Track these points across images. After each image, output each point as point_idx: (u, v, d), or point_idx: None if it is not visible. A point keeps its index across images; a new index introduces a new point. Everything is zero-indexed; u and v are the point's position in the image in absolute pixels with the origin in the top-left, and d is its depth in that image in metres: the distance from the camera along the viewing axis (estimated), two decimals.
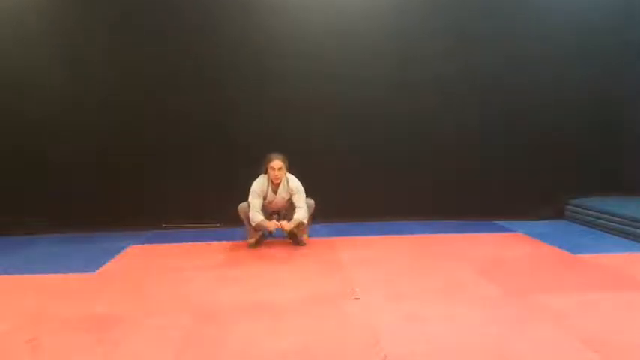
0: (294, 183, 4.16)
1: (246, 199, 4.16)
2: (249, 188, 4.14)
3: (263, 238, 4.34)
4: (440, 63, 5.05)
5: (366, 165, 5.13)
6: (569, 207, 5.34)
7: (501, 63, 5.11)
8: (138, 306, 2.97)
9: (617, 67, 5.25)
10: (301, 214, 4.08)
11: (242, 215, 4.19)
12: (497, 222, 5.14)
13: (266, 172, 4.14)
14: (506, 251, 4.11)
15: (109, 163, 4.90)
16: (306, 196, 4.21)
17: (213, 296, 3.12)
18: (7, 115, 4.80)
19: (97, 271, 3.67)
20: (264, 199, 4.16)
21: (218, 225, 5.02)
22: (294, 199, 4.15)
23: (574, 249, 4.10)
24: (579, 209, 5.18)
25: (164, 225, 5.02)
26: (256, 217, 4.04)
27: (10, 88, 4.77)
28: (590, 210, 5.02)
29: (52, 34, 4.75)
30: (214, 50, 4.87)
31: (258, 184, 4.13)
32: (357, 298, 3.03)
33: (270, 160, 4.10)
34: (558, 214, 5.38)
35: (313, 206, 4.28)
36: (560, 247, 4.18)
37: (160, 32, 4.82)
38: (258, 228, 4.10)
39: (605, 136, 5.32)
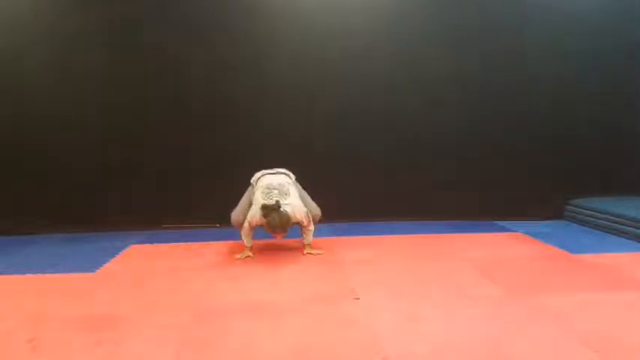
0: (296, 215, 3.78)
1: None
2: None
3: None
4: (440, 64, 5.04)
5: (366, 165, 5.13)
6: (569, 207, 5.34)
7: (501, 64, 5.10)
8: (138, 306, 2.97)
9: (618, 68, 5.24)
10: (308, 239, 4.00)
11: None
12: (497, 222, 5.14)
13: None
14: (507, 251, 4.11)
15: (109, 163, 4.90)
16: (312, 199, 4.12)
17: (213, 296, 3.12)
18: (6, 116, 4.80)
19: (97, 271, 3.67)
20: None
21: (218, 225, 5.02)
22: (301, 227, 3.98)
23: (574, 249, 4.10)
24: (579, 209, 5.18)
25: (164, 225, 5.02)
26: (245, 251, 3.96)
27: (9, 89, 4.76)
28: (590, 210, 5.02)
29: (49, 36, 4.74)
30: (214, 51, 4.87)
31: (255, 217, 3.77)
32: (357, 298, 3.03)
33: (271, 226, 3.65)
34: (558, 214, 5.38)
35: (319, 216, 4.10)
36: (560, 247, 4.18)
37: (160, 34, 4.80)
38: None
39: (605, 136, 5.32)
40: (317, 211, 4.08)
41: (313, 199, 4.17)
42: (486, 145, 5.22)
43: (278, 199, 3.73)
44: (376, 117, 5.10)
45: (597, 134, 5.30)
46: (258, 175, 4.12)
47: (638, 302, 2.94)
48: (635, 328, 2.58)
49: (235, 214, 4.04)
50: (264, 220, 3.70)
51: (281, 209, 3.67)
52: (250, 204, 3.97)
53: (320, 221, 4.15)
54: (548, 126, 5.23)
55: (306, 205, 3.97)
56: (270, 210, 3.65)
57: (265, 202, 3.72)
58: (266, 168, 4.15)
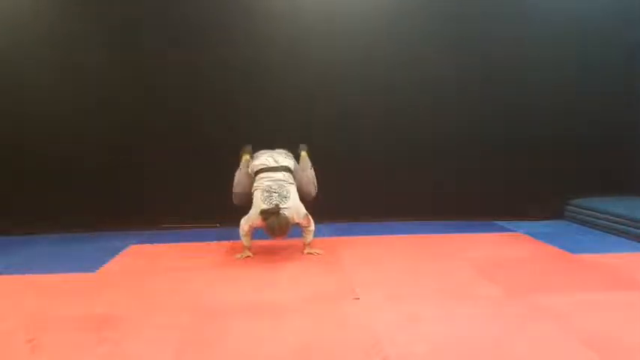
0: (295, 218, 3.79)
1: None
2: None
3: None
4: (440, 63, 5.04)
5: (366, 165, 5.13)
6: (569, 207, 5.34)
7: (501, 64, 5.10)
8: (138, 306, 2.97)
9: (618, 67, 5.24)
10: (308, 239, 4.02)
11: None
12: (497, 222, 5.14)
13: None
14: (507, 251, 4.11)
15: (109, 162, 4.90)
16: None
17: (213, 296, 3.12)
18: (6, 116, 4.80)
19: (97, 271, 3.67)
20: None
21: (218, 225, 5.02)
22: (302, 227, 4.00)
23: (574, 249, 4.09)
24: (579, 209, 5.18)
25: (164, 225, 5.02)
26: (245, 251, 3.99)
27: (9, 88, 4.76)
28: (590, 210, 5.02)
29: (49, 36, 4.74)
30: (214, 51, 4.86)
31: (256, 221, 3.80)
32: (357, 298, 3.03)
33: (270, 229, 3.70)
34: (558, 214, 5.37)
35: (315, 192, 4.22)
36: (560, 247, 4.18)
37: (160, 33, 4.81)
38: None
39: (605, 136, 5.31)
40: (314, 189, 4.19)
41: (314, 198, 4.17)
42: (486, 145, 5.21)
43: (277, 202, 3.74)
44: (376, 117, 5.10)
45: (597, 134, 5.29)
46: (257, 163, 4.05)
47: (638, 302, 2.94)
48: (635, 328, 2.58)
49: (236, 195, 4.16)
50: (264, 223, 3.73)
51: (280, 213, 3.69)
52: (249, 181, 4.04)
53: (315, 198, 4.24)
54: (548, 126, 5.22)
55: (300, 182, 4.06)
56: (270, 214, 3.68)
57: (265, 206, 3.74)
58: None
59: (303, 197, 4.04)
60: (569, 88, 5.18)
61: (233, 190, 4.19)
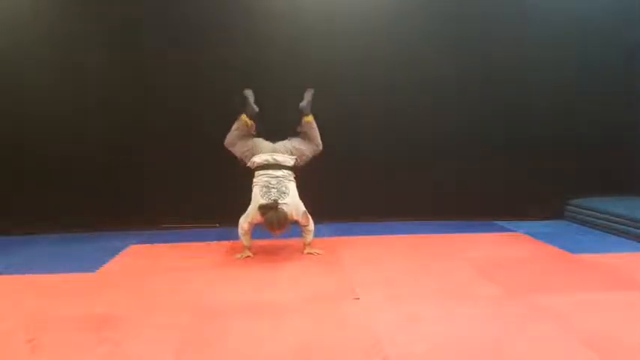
0: (293, 214, 3.81)
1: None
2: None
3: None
4: (440, 63, 5.04)
5: (366, 165, 5.13)
6: (569, 207, 5.34)
7: (501, 64, 5.10)
8: (138, 306, 2.97)
9: (618, 67, 5.24)
10: (308, 238, 4.03)
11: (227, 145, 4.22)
12: (497, 222, 5.14)
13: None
14: (506, 251, 4.11)
15: (109, 163, 4.90)
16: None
17: (213, 296, 3.12)
18: (6, 116, 4.80)
19: (97, 271, 3.67)
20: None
21: (217, 225, 5.02)
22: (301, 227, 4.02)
23: (574, 249, 4.10)
24: (579, 209, 5.18)
25: (164, 225, 5.02)
26: (245, 251, 3.99)
27: (9, 88, 4.76)
28: (590, 210, 5.02)
29: (49, 36, 4.74)
30: (214, 51, 4.86)
31: (255, 217, 3.82)
32: (357, 298, 3.03)
33: (269, 224, 3.72)
34: (558, 214, 5.38)
35: (319, 151, 4.21)
36: (560, 247, 4.18)
37: (160, 33, 4.81)
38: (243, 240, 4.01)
39: (605, 136, 5.32)
40: (317, 148, 4.20)
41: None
42: (486, 145, 5.21)
43: (276, 198, 3.77)
44: (376, 117, 5.10)
45: (597, 134, 5.29)
46: (257, 160, 4.02)
47: (638, 302, 2.94)
48: (635, 328, 2.58)
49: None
50: (262, 218, 3.75)
51: (279, 208, 3.71)
52: (245, 138, 4.13)
53: (321, 155, 4.24)
54: (548, 126, 5.22)
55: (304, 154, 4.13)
56: (269, 209, 3.71)
57: (263, 201, 3.76)
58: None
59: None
60: (569, 88, 5.18)
61: (225, 144, 4.19)
